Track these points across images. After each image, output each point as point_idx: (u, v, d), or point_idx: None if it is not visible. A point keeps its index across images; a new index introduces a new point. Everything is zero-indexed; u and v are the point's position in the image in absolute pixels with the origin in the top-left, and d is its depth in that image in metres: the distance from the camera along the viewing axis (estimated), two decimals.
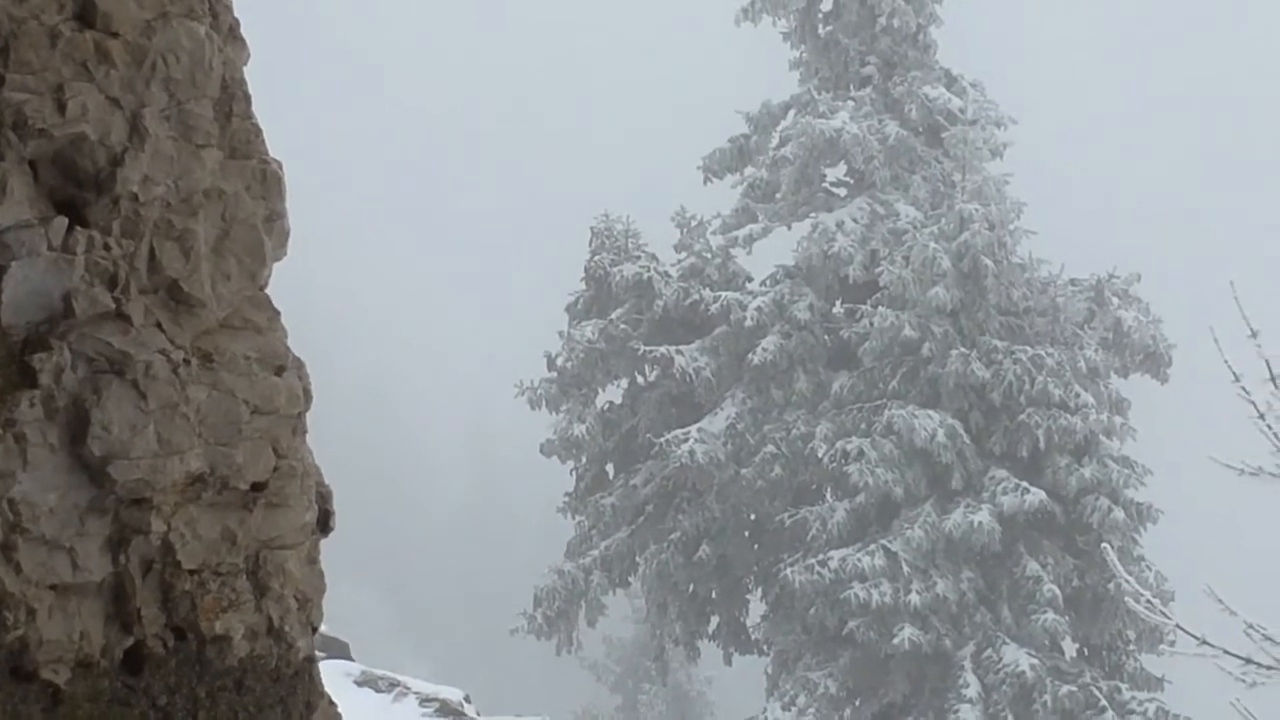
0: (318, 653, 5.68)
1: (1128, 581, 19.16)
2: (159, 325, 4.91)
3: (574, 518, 34.69)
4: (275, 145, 5.45)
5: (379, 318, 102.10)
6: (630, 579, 34.46)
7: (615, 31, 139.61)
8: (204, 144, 5.03)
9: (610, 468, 34.65)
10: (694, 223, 34.89)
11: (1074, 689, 30.03)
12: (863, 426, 31.75)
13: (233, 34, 5.22)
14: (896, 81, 34.56)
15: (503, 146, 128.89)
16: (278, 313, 5.29)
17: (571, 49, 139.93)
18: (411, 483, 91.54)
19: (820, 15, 35.50)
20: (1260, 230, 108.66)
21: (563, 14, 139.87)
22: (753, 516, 33.44)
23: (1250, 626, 16.63)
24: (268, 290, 5.29)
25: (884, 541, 30.82)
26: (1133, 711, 30.37)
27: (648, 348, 33.32)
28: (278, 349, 5.24)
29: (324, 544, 5.51)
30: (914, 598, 30.02)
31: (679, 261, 34.63)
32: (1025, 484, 30.73)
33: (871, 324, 32.03)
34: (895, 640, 29.97)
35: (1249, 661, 17.21)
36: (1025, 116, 35.02)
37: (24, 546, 4.60)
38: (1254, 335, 14.10)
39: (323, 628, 5.66)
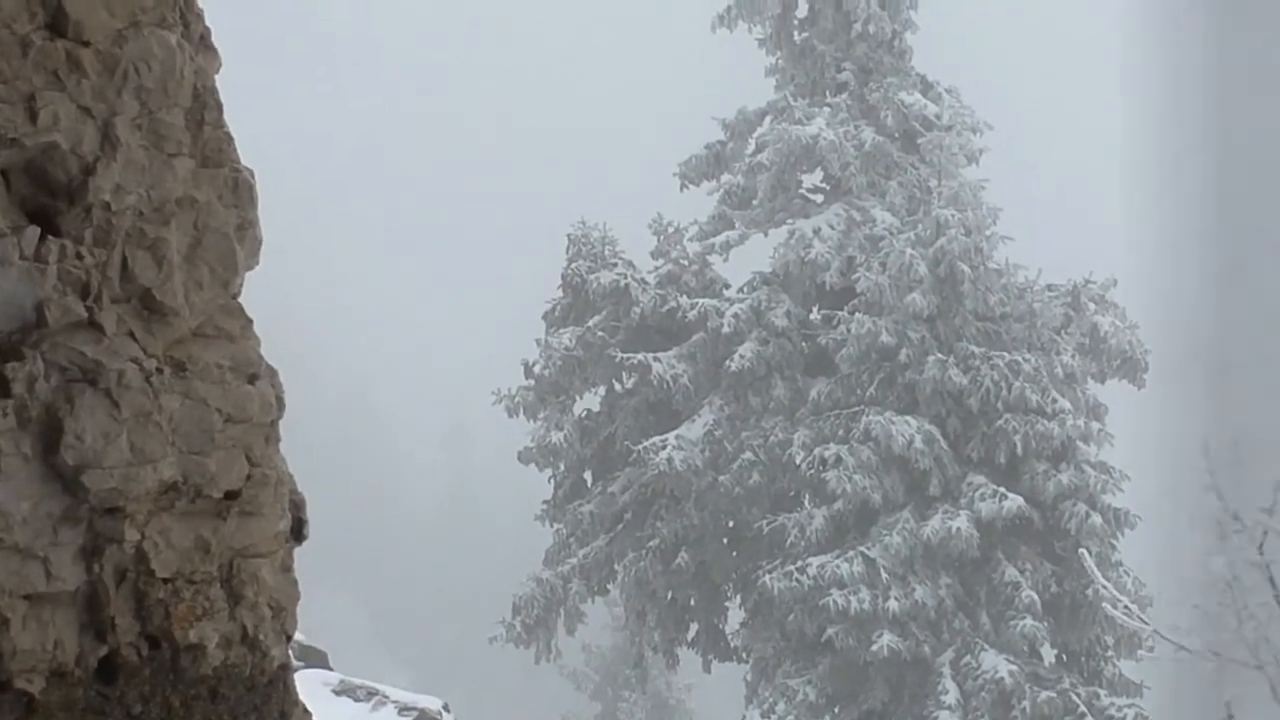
0: (295, 662, 5.68)
1: (1105, 587, 19.28)
2: (131, 334, 4.92)
3: (552, 525, 34.71)
4: (252, 148, 5.46)
5: (357, 322, 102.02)
6: (609, 587, 34.48)
7: (592, 37, 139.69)
8: (176, 153, 5.04)
9: (588, 475, 34.67)
10: (671, 229, 34.92)
11: (1053, 695, 30.09)
12: (840, 433, 31.79)
13: (204, 42, 5.23)
14: (872, 88, 34.62)
15: (482, 150, 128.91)
16: (250, 321, 5.30)
17: (549, 54, 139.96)
18: (389, 489, 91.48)
19: (796, 21, 35.56)
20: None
21: (541, 19, 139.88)
22: (731, 523, 33.47)
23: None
24: (240, 299, 5.29)
25: (862, 548, 30.86)
26: (1111, 717, 30.43)
27: (625, 355, 33.35)
28: (250, 357, 5.25)
29: (300, 551, 5.52)
30: (893, 604, 30.07)
31: (656, 268, 34.69)
32: (1003, 490, 30.79)
33: (848, 330, 32.09)
34: (874, 647, 30.01)
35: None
36: (1001, 121, 35.08)
37: None
38: None
39: (301, 637, 5.66)
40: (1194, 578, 18.76)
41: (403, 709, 19.91)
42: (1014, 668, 30.02)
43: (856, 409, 31.93)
